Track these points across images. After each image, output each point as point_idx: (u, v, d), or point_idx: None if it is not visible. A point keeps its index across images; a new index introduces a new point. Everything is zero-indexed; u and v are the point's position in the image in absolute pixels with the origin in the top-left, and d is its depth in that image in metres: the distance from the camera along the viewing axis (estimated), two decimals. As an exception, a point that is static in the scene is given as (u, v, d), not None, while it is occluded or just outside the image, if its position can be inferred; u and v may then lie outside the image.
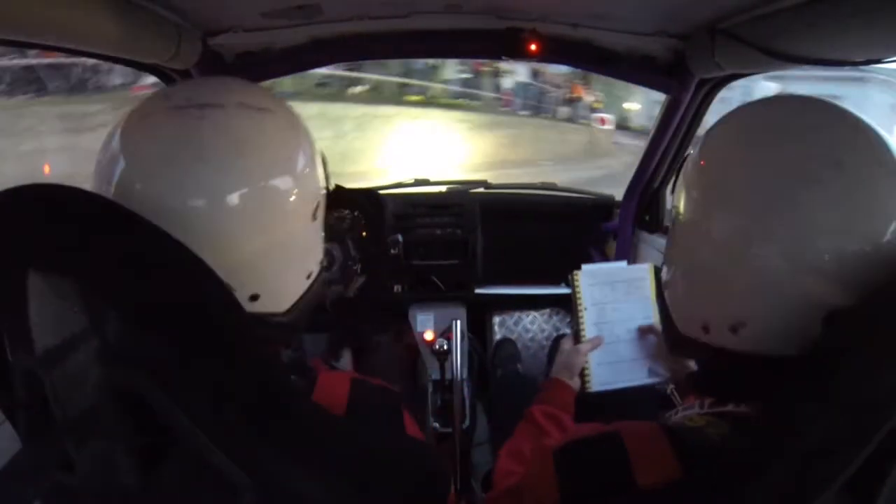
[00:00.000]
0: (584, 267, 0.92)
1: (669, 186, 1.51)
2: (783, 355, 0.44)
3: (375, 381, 0.63)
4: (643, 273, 0.92)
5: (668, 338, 0.58)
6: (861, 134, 0.44)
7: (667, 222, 1.35)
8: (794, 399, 0.39)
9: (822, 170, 0.42)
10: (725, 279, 0.46)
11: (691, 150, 0.53)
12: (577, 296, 0.90)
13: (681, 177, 0.53)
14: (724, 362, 0.48)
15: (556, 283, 1.70)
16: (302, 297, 0.56)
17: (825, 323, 0.41)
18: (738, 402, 0.49)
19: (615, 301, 0.90)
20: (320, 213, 0.57)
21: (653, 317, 0.89)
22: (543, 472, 0.51)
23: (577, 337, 0.89)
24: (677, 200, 0.52)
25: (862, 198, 0.41)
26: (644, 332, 0.88)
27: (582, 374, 0.85)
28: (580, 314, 0.89)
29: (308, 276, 0.56)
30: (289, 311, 0.54)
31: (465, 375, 1.27)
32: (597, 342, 0.87)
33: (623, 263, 0.95)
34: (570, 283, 0.92)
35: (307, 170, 0.52)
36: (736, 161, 0.47)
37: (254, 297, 0.50)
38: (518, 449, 0.72)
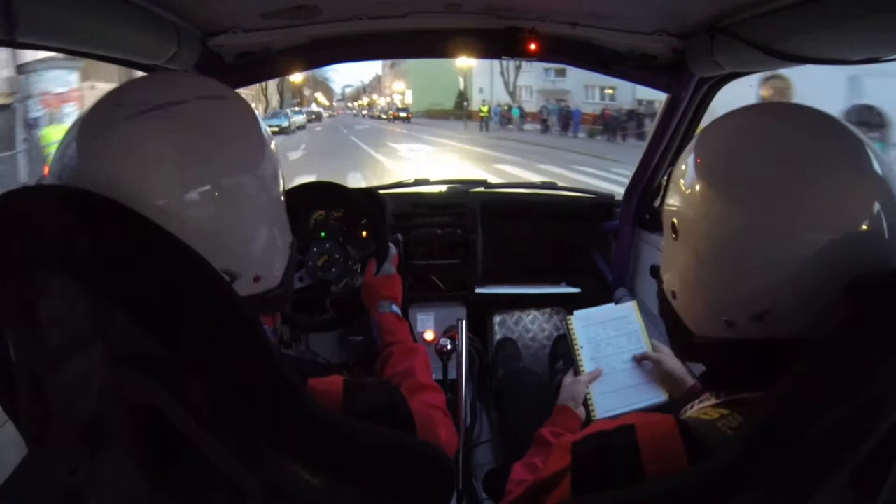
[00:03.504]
0: (576, 312, 1.00)
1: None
2: (799, 337, 0.45)
3: (370, 380, 0.64)
4: (629, 311, 1.00)
5: (680, 345, 0.59)
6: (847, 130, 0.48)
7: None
8: (803, 390, 0.40)
9: (819, 166, 0.46)
10: (745, 272, 0.47)
11: (685, 160, 0.54)
12: (572, 337, 0.97)
13: (678, 184, 0.53)
14: (741, 354, 0.50)
15: (556, 282, 1.70)
16: (288, 266, 0.58)
17: (847, 293, 0.42)
18: (752, 390, 0.50)
19: (608, 337, 0.97)
20: (283, 181, 0.59)
21: (645, 346, 0.95)
22: (559, 461, 0.52)
23: (576, 373, 0.94)
24: (679, 208, 0.53)
25: (847, 190, 0.45)
26: (638, 359, 0.94)
27: (586, 405, 0.90)
28: (577, 353, 0.95)
29: (289, 245, 0.59)
30: (281, 283, 0.57)
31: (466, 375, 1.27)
32: (596, 374, 0.92)
33: (611, 305, 1.03)
34: (565, 327, 1.00)
35: (271, 143, 0.54)
36: (743, 159, 0.49)
37: (257, 279, 0.52)
38: (531, 462, 0.74)
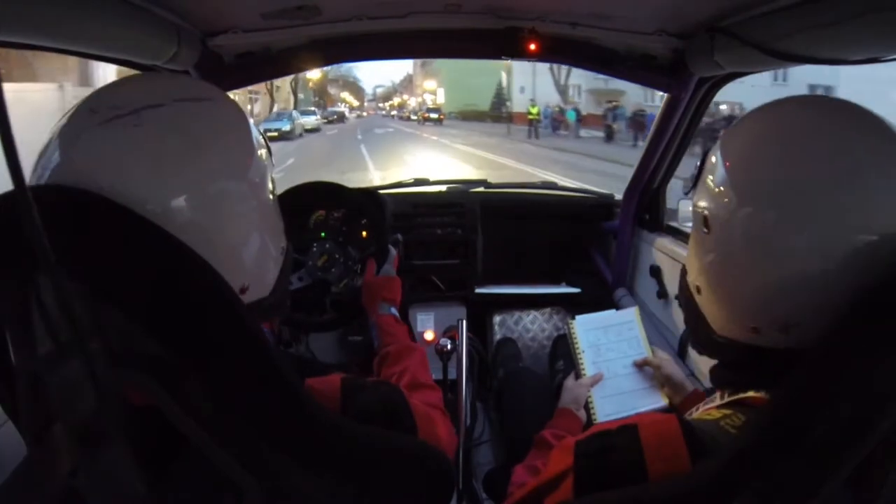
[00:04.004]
0: (578, 317, 1.01)
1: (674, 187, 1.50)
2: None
3: (369, 379, 0.63)
4: (630, 317, 1.01)
5: (700, 340, 0.59)
6: (885, 133, 0.45)
7: (683, 224, 1.35)
8: (804, 389, 0.40)
9: (856, 170, 0.44)
10: (779, 284, 0.46)
11: (715, 153, 0.52)
12: (574, 341, 0.98)
13: (708, 181, 0.52)
14: (760, 359, 0.50)
15: (556, 282, 1.70)
16: (281, 274, 0.57)
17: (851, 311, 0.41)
18: (757, 390, 0.50)
19: (609, 342, 0.98)
20: (274, 186, 0.57)
21: (645, 352, 0.96)
22: (561, 462, 0.52)
23: (577, 376, 0.95)
24: (709, 206, 0.51)
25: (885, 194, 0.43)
26: (639, 365, 0.95)
27: (587, 409, 0.91)
28: (579, 356, 0.96)
29: (282, 252, 0.57)
30: (273, 291, 0.55)
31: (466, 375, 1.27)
32: (598, 377, 0.93)
33: (612, 311, 1.04)
34: (565, 327, 1.01)
35: (259, 148, 0.52)
36: (776, 163, 0.47)
37: (243, 290, 0.50)
38: (532, 464, 0.74)
